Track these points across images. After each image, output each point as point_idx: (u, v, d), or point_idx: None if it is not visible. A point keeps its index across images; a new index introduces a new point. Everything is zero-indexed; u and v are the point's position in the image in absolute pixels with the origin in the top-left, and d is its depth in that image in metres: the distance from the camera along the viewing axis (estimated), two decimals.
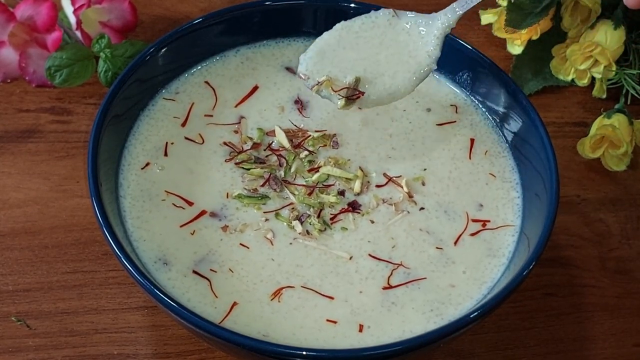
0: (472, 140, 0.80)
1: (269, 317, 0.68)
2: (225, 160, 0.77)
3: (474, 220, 0.75)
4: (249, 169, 0.76)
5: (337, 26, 0.76)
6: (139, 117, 0.79)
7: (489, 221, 0.75)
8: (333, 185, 0.76)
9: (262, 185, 0.75)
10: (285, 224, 0.73)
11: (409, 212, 0.74)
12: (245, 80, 0.82)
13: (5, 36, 0.91)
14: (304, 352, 0.63)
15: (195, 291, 0.69)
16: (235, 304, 0.69)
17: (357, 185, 0.75)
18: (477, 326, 0.68)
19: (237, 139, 0.78)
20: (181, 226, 0.72)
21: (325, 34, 0.76)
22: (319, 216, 0.73)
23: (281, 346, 0.64)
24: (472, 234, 0.74)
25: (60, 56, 0.90)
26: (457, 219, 0.75)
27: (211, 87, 0.82)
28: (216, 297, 0.69)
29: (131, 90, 0.77)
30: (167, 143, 0.77)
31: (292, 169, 0.76)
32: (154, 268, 0.70)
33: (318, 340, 0.67)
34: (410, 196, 0.75)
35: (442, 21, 0.75)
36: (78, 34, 0.93)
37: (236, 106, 0.81)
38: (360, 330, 0.68)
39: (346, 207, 0.74)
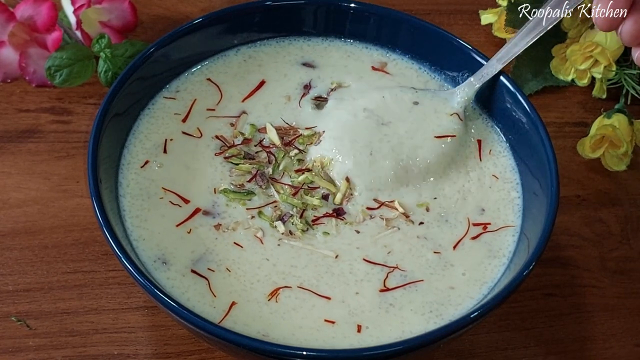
0: (479, 142, 0.79)
1: (267, 317, 0.68)
2: (216, 154, 0.77)
3: (475, 225, 0.74)
4: (237, 164, 0.76)
5: (360, 106, 0.78)
6: (139, 117, 0.79)
7: (489, 224, 0.75)
8: (318, 188, 0.75)
9: (249, 181, 0.75)
10: (267, 222, 0.73)
11: (399, 228, 0.73)
12: (251, 76, 0.82)
13: (5, 36, 0.91)
14: (304, 352, 0.63)
15: (194, 291, 0.69)
16: (234, 303, 0.68)
17: (338, 197, 0.74)
18: (477, 326, 0.68)
19: (231, 132, 0.78)
20: (177, 225, 0.72)
21: (347, 115, 0.77)
22: (301, 217, 0.73)
23: (281, 346, 0.64)
24: (473, 238, 0.74)
25: (60, 56, 0.90)
26: (458, 226, 0.74)
27: (214, 83, 0.82)
28: (215, 296, 0.69)
29: (131, 90, 0.77)
30: (166, 140, 0.77)
31: (281, 167, 0.76)
32: (153, 267, 0.70)
33: (317, 341, 0.67)
34: (407, 216, 0.74)
35: (461, 96, 0.79)
36: (78, 34, 0.93)
37: (243, 101, 0.81)
38: (359, 331, 0.68)
39: (330, 212, 0.74)
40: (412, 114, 0.78)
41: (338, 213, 0.74)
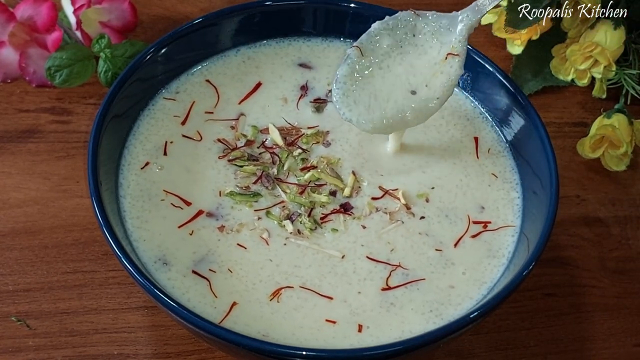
0: (476, 139, 0.79)
1: (268, 317, 0.68)
2: (219, 157, 0.77)
3: (475, 222, 0.74)
4: (242, 166, 0.76)
5: (363, 40, 0.74)
6: (139, 117, 0.79)
7: (489, 222, 0.75)
8: (325, 185, 0.75)
9: (255, 183, 0.75)
10: (275, 222, 0.73)
11: (403, 222, 0.74)
12: (248, 78, 0.82)
13: (5, 36, 0.91)
14: (304, 352, 0.63)
15: (195, 291, 0.69)
16: (234, 304, 0.69)
17: (346, 191, 0.75)
18: (477, 326, 0.68)
19: (232, 135, 0.78)
20: (179, 227, 0.72)
21: (349, 55, 0.74)
22: (309, 215, 0.73)
23: (281, 346, 0.64)
24: (473, 236, 0.74)
25: (60, 56, 0.90)
26: (458, 222, 0.74)
27: (212, 85, 0.82)
28: (216, 297, 0.69)
29: (131, 90, 0.77)
30: (166, 142, 0.77)
31: (285, 167, 0.76)
32: (153, 268, 0.70)
33: (318, 341, 0.67)
34: (408, 208, 0.75)
35: (465, 23, 0.74)
36: (78, 34, 0.93)
37: (240, 103, 0.81)
38: (360, 331, 0.68)
39: (338, 207, 0.74)
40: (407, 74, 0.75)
41: (345, 208, 0.74)
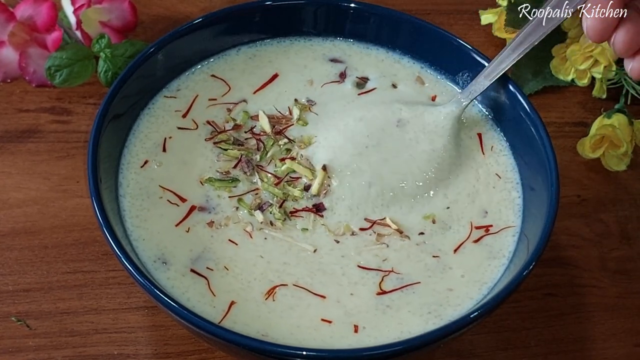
0: (480, 135, 0.79)
1: (266, 317, 0.68)
2: (206, 139, 0.77)
3: (478, 227, 0.74)
4: (226, 150, 0.76)
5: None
6: (139, 116, 0.79)
7: (491, 226, 0.74)
8: (300, 179, 0.75)
9: (235, 167, 0.75)
10: (246, 210, 0.73)
11: (388, 245, 0.72)
12: (262, 71, 0.83)
13: (5, 36, 0.91)
14: (304, 352, 0.63)
15: (194, 290, 0.69)
16: (233, 302, 0.68)
17: (314, 187, 0.74)
18: (477, 326, 0.68)
19: (222, 118, 0.78)
20: (176, 225, 0.72)
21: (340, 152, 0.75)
22: (280, 206, 0.73)
23: (281, 346, 0.64)
24: (475, 241, 0.73)
25: (60, 56, 0.90)
26: (460, 230, 0.74)
27: (220, 79, 0.81)
28: (214, 295, 0.69)
29: (131, 89, 0.77)
30: (165, 138, 0.77)
31: (269, 155, 0.76)
32: (153, 267, 0.70)
33: (316, 340, 0.67)
34: (401, 232, 0.73)
35: (448, 112, 0.77)
36: (78, 33, 0.93)
37: (255, 93, 0.81)
38: (356, 331, 0.68)
39: (310, 206, 0.74)
40: (395, 136, 0.76)
41: (317, 209, 0.73)
